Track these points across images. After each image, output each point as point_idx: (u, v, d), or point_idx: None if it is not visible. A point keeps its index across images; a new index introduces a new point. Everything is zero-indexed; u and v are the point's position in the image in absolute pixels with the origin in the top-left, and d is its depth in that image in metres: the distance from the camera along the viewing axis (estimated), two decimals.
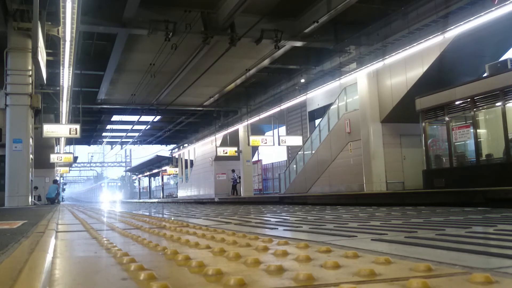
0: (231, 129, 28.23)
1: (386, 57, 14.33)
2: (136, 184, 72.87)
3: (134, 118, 28.55)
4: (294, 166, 24.15)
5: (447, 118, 12.59)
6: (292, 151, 25.95)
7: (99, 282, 1.27)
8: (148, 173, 59.50)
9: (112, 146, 44.18)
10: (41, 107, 14.96)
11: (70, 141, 29.70)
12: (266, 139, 24.40)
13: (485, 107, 11.62)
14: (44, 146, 21.88)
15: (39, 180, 21.29)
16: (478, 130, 11.79)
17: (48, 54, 13.36)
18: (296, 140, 23.98)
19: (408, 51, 13.41)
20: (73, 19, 10.19)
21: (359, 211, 4.73)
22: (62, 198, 38.03)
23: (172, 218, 4.54)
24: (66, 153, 27.14)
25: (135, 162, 65.42)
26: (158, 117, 29.24)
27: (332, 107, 20.57)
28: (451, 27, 11.88)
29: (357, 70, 16.34)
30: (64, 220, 4.71)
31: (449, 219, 3.24)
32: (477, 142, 11.81)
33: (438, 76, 14.10)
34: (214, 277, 1.24)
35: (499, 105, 11.00)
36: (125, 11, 13.60)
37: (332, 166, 19.95)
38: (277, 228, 3.01)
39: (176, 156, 44.16)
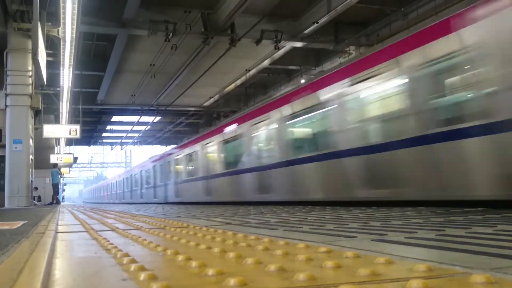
0: None
1: None
2: None
3: (134, 118, 28.53)
4: None
5: None
6: None
7: (99, 282, 1.27)
8: None
9: (112, 147, 44.12)
10: (41, 108, 14.96)
11: (70, 142, 29.65)
12: None
13: None
14: (44, 147, 21.85)
15: (39, 181, 21.28)
16: None
17: (48, 55, 13.35)
18: None
19: None
20: (73, 19, 10.18)
21: (359, 212, 4.73)
22: (63, 198, 37.88)
23: (173, 219, 4.54)
24: (66, 153, 27.11)
25: (135, 163, 65.27)
26: (158, 118, 29.21)
27: None
28: None
29: None
30: (64, 221, 4.71)
31: (449, 220, 3.24)
32: None
33: None
34: (214, 277, 1.24)
35: None
36: (125, 11, 13.61)
37: None
38: (277, 229, 3.01)
39: None
